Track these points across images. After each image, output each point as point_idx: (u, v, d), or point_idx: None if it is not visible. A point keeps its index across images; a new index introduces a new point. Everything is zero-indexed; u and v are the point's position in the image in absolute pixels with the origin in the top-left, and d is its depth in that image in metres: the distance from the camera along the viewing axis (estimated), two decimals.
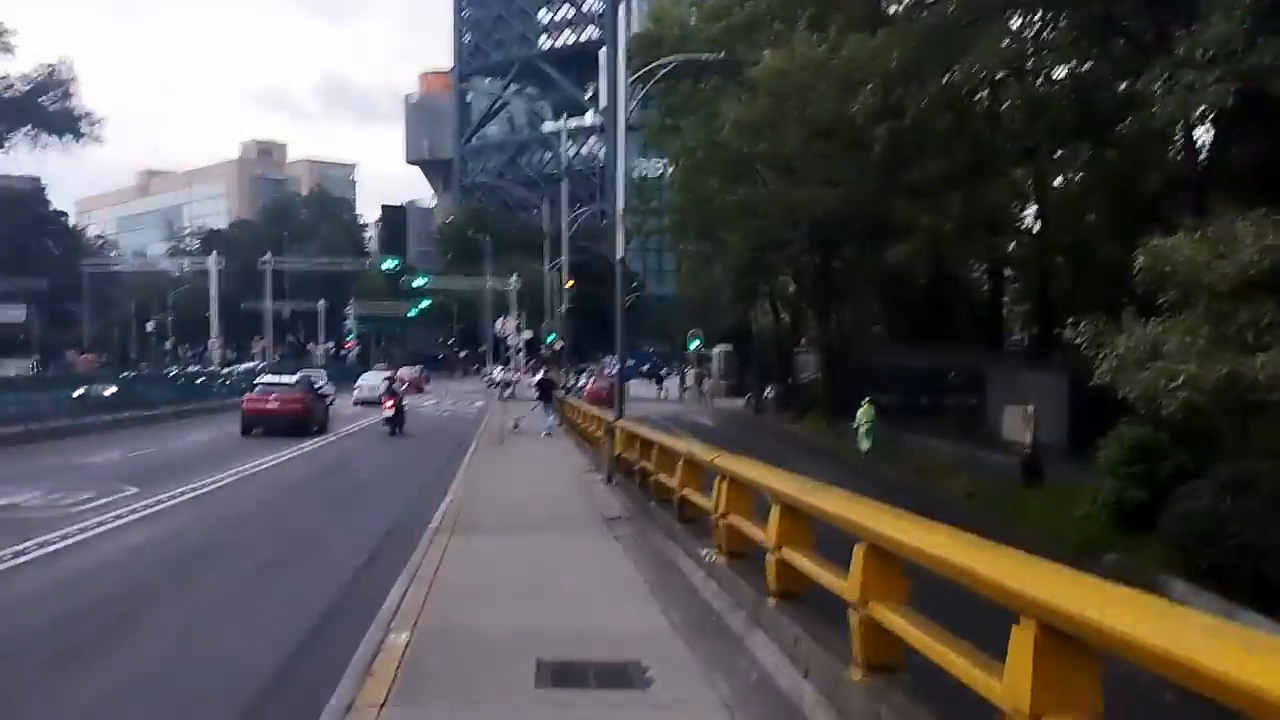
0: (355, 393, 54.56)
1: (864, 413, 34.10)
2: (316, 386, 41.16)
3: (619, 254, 19.79)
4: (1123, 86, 24.62)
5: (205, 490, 19.57)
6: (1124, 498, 20.74)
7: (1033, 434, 29.60)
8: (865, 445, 33.83)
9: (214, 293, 69.67)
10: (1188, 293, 14.19)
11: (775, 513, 8.02)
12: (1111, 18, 22.49)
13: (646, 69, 27.82)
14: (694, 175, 42.48)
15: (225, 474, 21.66)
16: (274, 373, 51.63)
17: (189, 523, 16.16)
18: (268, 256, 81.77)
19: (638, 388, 73.02)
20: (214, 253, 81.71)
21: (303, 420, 34.61)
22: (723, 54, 31.36)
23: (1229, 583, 16.17)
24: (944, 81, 24.03)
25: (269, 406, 34.56)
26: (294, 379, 40.48)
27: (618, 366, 20.50)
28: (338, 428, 38.15)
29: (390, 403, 36.09)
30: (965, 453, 30.58)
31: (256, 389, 37.00)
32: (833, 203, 34.00)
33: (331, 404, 42.50)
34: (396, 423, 35.61)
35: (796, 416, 44.88)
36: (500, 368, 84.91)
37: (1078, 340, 19.55)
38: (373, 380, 54.53)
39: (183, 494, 18.74)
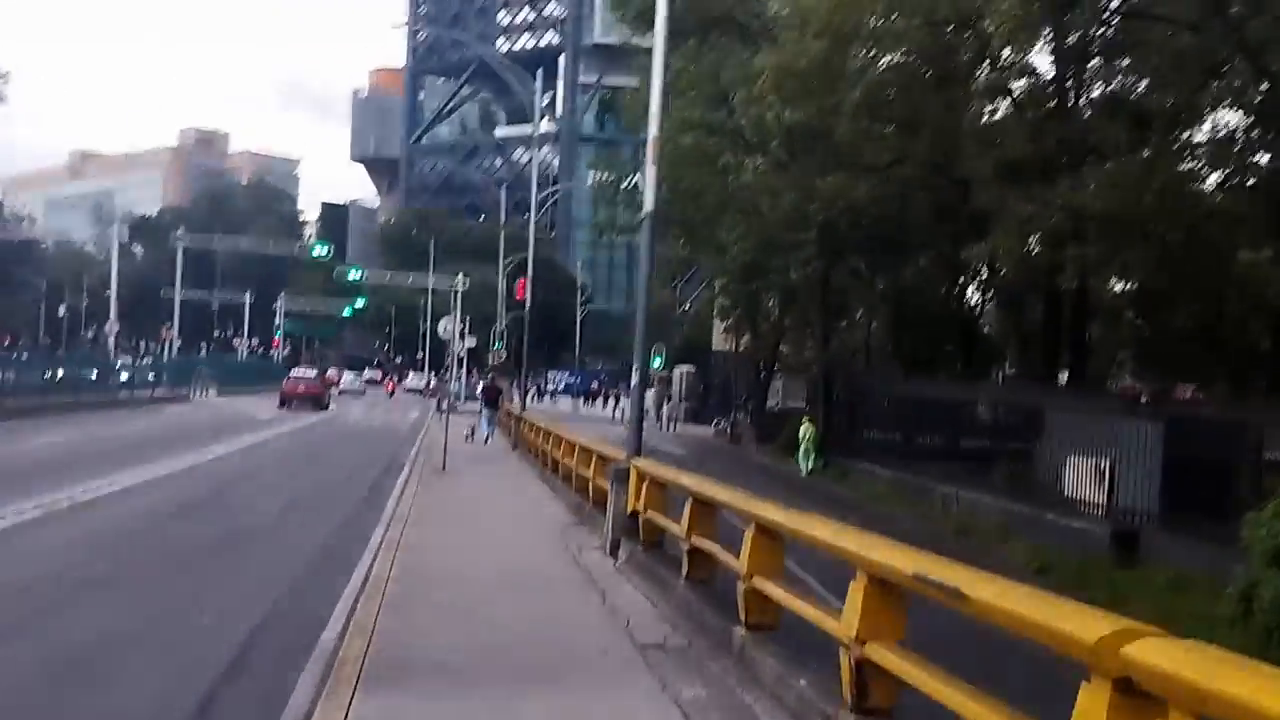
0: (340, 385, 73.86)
1: (805, 431, 33.00)
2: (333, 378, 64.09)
3: (648, 205, 13.09)
4: None
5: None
6: None
7: (1108, 494, 23.73)
8: (806, 467, 32.63)
9: (114, 272, 61.65)
10: None
11: None
12: None
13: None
14: (684, 164, 35.84)
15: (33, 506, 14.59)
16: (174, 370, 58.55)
17: None
18: (180, 232, 73.65)
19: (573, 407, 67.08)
20: (116, 224, 73.52)
21: (320, 398, 50.93)
22: None
23: None
24: None
25: (300, 389, 50.33)
26: (314, 372, 59.60)
27: (636, 377, 13.63)
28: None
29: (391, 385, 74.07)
30: (1017, 511, 24.27)
31: (289, 378, 53.49)
32: (864, 193, 27.82)
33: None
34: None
35: (787, 451, 38.37)
36: (417, 375, 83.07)
37: None
38: (349, 377, 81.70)
39: None
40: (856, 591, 5.78)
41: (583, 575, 11.58)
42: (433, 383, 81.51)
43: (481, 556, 12.68)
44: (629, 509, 12.45)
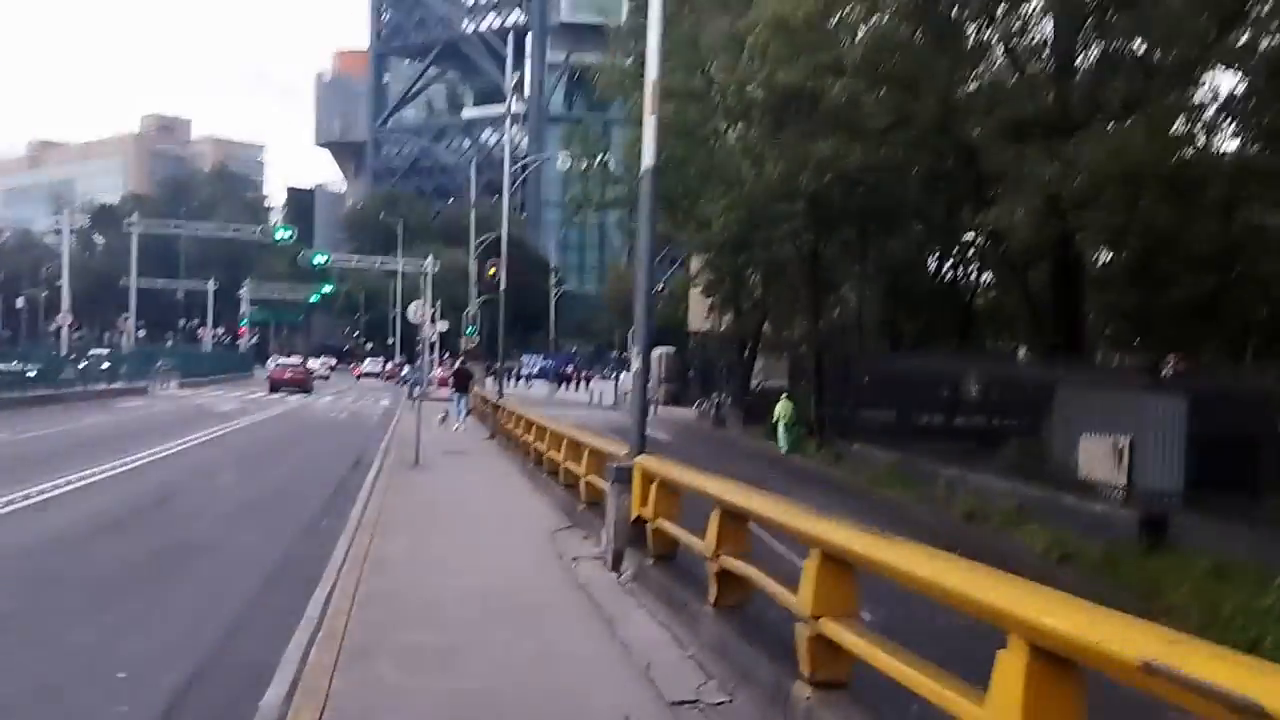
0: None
1: (782, 408, 32.92)
2: (311, 367, 66.46)
3: (648, 160, 11.25)
4: None
5: None
6: None
7: (1127, 474, 22.13)
8: (784, 445, 32.39)
9: (65, 261, 59.08)
10: None
11: None
12: None
13: None
14: (664, 134, 33.91)
15: None
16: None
17: None
18: (133, 218, 71.05)
19: (549, 392, 65.27)
20: (65, 211, 70.86)
21: (305, 384, 56.83)
22: None
23: None
24: None
25: (286, 376, 57.22)
26: (299, 361, 66.66)
27: (637, 361, 11.77)
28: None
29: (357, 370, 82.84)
30: (1029, 494, 22.61)
31: (276, 366, 61.05)
32: (858, 160, 26.12)
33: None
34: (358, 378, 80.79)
35: (772, 433, 36.71)
36: (373, 360, 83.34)
37: None
38: (315, 364, 79.41)
39: None
40: (1013, 667, 3.98)
41: (584, 598, 9.73)
42: (389, 367, 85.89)
43: (461, 574, 10.79)
44: (633, 515, 10.65)
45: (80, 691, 7.17)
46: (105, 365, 48.26)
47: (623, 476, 10.85)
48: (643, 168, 11.37)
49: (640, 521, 10.47)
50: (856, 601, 5.96)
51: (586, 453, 14.34)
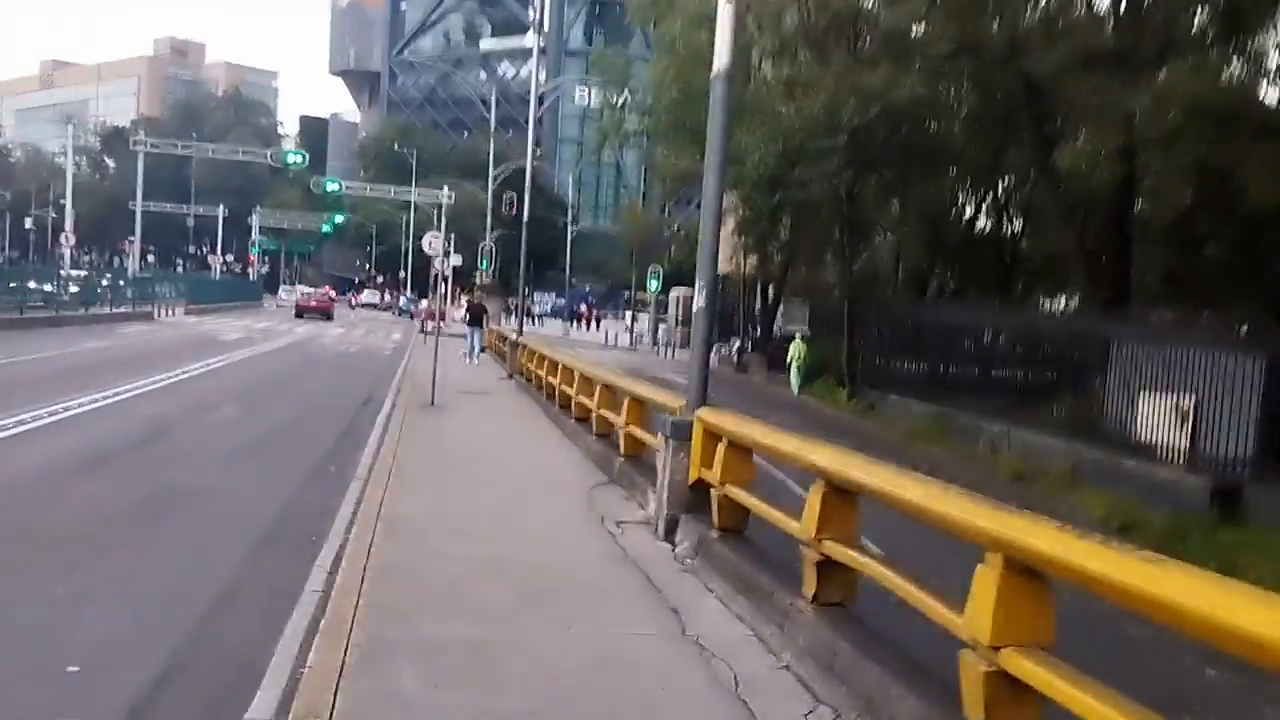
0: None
1: (795, 350, 33.32)
2: (331, 295, 69.30)
3: (722, 62, 9.48)
4: None
5: None
6: None
7: (1190, 438, 20.61)
8: (795, 386, 32.97)
9: (69, 179, 57.34)
10: None
11: None
12: None
13: None
14: (697, 63, 31.95)
15: None
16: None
17: None
18: (140, 136, 69.14)
19: (564, 330, 63.78)
20: (70, 125, 68.95)
21: (328, 311, 61.79)
22: None
23: None
24: None
25: (312, 303, 62.76)
26: (322, 290, 70.25)
27: (701, 299, 10.08)
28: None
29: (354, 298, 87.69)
30: (1082, 455, 21.08)
31: (302, 294, 69.41)
32: (907, 93, 24.36)
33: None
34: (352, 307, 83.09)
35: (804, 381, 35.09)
36: (371, 291, 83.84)
37: None
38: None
39: None
40: None
41: (637, 576, 8.13)
42: (388, 298, 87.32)
43: (490, 541, 9.19)
44: (691, 477, 9.07)
45: (16, 692, 5.61)
46: (74, 289, 42.32)
47: (680, 432, 9.25)
48: (715, 69, 9.59)
49: (701, 485, 8.90)
50: (1054, 629, 4.40)
51: (627, 401, 12.75)
